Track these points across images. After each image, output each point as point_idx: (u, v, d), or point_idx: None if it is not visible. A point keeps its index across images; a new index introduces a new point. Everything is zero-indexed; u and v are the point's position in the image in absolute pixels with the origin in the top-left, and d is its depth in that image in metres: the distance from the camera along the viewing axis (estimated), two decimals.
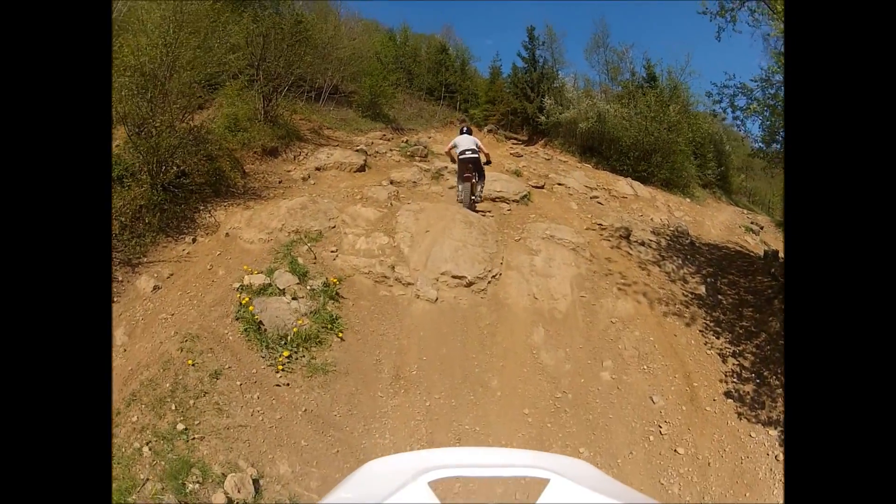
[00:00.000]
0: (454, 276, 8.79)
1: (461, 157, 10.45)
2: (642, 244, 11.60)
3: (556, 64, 24.69)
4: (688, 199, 18.94)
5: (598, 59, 24.32)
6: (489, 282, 8.97)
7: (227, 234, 9.48)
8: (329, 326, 7.46)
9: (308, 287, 7.96)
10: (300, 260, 8.54)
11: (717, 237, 15.39)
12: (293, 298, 7.67)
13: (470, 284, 8.79)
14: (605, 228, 11.80)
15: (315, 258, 8.74)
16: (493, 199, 12.14)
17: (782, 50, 8.06)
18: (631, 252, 11.16)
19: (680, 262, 11.31)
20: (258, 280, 7.87)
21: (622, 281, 9.93)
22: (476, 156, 10.43)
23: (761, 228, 18.68)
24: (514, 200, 12.28)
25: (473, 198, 10.75)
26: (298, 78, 16.04)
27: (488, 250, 9.44)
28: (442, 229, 9.57)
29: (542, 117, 22.18)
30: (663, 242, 12.22)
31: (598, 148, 20.40)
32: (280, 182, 12.26)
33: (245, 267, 8.22)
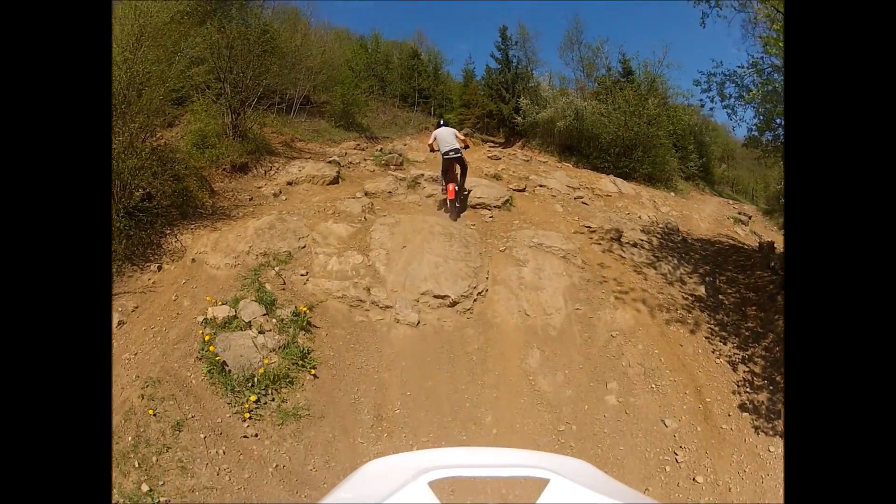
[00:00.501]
0: (436, 296, 7.80)
1: (445, 156, 10.12)
2: (634, 245, 10.67)
3: (530, 63, 24.00)
4: (672, 193, 18.22)
5: (572, 56, 23.77)
6: (475, 300, 7.99)
7: (193, 260, 8.43)
8: (300, 363, 6.46)
9: (276, 317, 6.96)
10: (268, 286, 7.54)
11: (707, 231, 14.59)
12: (260, 332, 6.66)
13: (454, 304, 7.80)
14: (594, 231, 10.84)
15: (284, 283, 7.74)
16: (474, 207, 11.14)
17: (771, 34, 7.52)
18: (624, 255, 10.23)
19: (675, 261, 10.42)
20: (222, 312, 6.84)
21: (618, 288, 9.00)
22: (459, 154, 10.17)
23: (749, 218, 17.99)
24: (495, 206, 11.27)
25: (459, 193, 10.43)
26: (268, 90, 15.22)
27: (472, 264, 8.46)
28: (420, 243, 8.58)
29: (519, 118, 21.37)
30: (655, 241, 11.31)
31: (577, 146, 19.57)
32: (250, 199, 11.18)
33: (208, 298, 7.20)
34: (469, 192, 11.13)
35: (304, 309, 7.09)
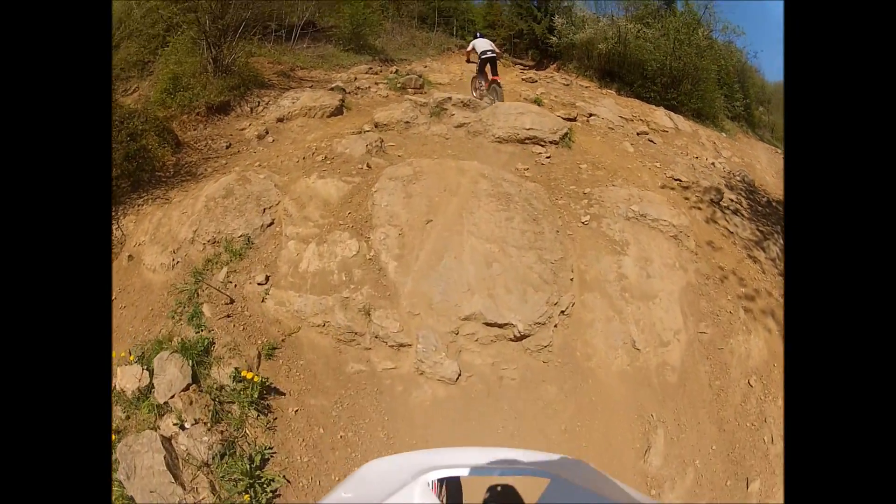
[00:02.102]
0: (489, 324, 4.16)
1: (483, 56, 9.38)
2: (735, 213, 6.96)
3: None
4: (723, 135, 14.33)
5: None
6: (556, 325, 4.34)
7: (130, 257, 5.18)
8: (252, 486, 3.12)
9: (211, 388, 3.58)
10: (206, 311, 4.16)
11: (777, 188, 10.84)
12: (181, 427, 3.33)
13: (521, 338, 4.17)
14: (687, 188, 7.07)
15: (232, 301, 4.20)
16: (522, 141, 7.34)
17: None
18: (730, 228, 6.53)
19: (778, 237, 6.88)
20: (131, 380, 3.61)
21: (742, 290, 5.45)
22: (496, 55, 9.43)
23: None
24: (551, 142, 7.46)
25: (500, 97, 9.04)
26: (261, 16, 11.42)
27: (548, 255, 4.72)
28: (456, 214, 4.90)
29: (553, 38, 16.94)
30: (745, 204, 7.64)
31: (618, 72, 15.32)
32: (228, 147, 7.50)
33: (122, 353, 4.05)
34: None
35: (252, 376, 3.50)
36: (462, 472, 1.27)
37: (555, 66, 16.91)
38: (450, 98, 8.38)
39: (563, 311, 4.37)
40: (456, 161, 5.91)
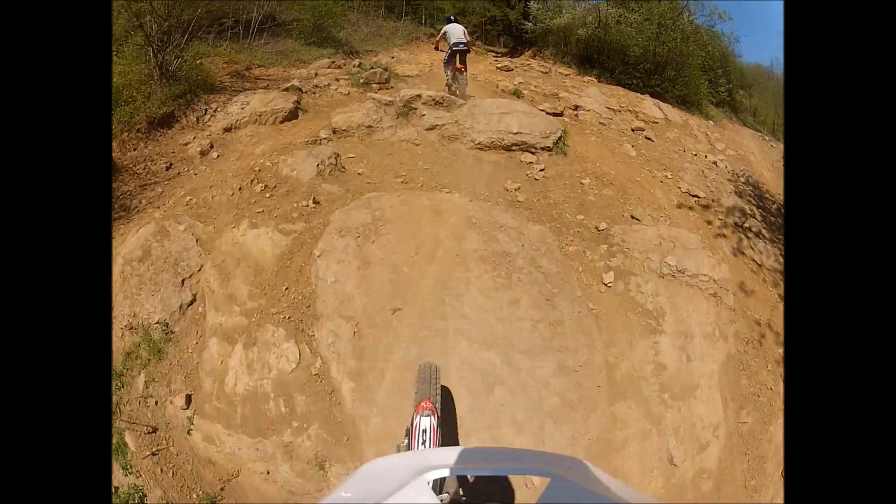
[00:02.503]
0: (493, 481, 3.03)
1: (453, 47, 8.54)
2: (757, 235, 5.91)
3: None
4: (711, 122, 13.35)
5: None
6: (582, 457, 3.23)
7: None
8: None
9: None
10: (130, 443, 3.34)
11: (778, 186, 9.80)
12: None
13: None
14: (706, 206, 6.00)
15: (154, 432, 3.17)
16: (509, 148, 6.20)
17: None
18: (756, 258, 5.50)
19: None
20: None
21: (780, 351, 4.43)
22: (466, 47, 8.61)
23: None
24: (543, 149, 6.31)
25: (463, 84, 8.54)
26: (215, 13, 10.20)
27: (570, 359, 3.53)
28: (435, 300, 3.73)
29: (529, 24, 15.61)
30: (758, 216, 6.61)
31: (598, 58, 14.16)
32: (169, 168, 6.23)
33: None
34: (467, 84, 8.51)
35: None
36: (462, 472, 1.23)
37: (530, 52, 15.65)
38: (419, 95, 7.13)
39: (589, 439, 3.24)
40: (430, 194, 4.72)
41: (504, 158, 6.07)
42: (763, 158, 12.20)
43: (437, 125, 6.54)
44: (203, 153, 6.57)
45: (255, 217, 4.40)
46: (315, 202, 4.65)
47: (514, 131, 6.28)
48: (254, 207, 4.61)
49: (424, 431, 2.24)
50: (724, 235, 5.57)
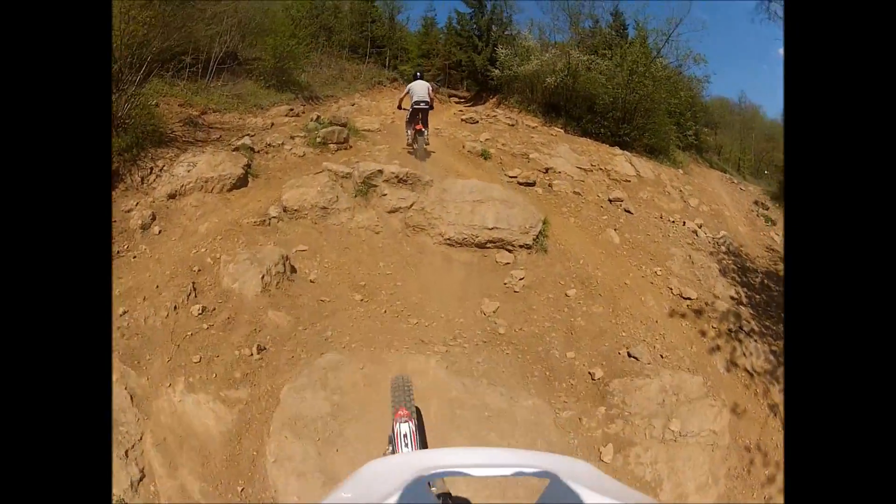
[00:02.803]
0: None
1: (415, 105, 8.46)
2: (748, 334, 5.40)
3: (507, 9, 17.67)
4: (680, 171, 13.07)
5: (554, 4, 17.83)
6: None
7: None
8: None
9: None
10: None
11: (753, 241, 9.76)
12: None
13: None
14: (699, 311, 5.53)
15: None
16: (483, 245, 5.63)
17: None
18: (748, 366, 5.00)
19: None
20: None
21: (766, 473, 4.02)
22: (429, 105, 8.54)
23: (767, 209, 12.91)
24: (522, 246, 5.73)
25: (423, 144, 8.44)
26: (172, 49, 9.12)
27: None
28: None
29: (496, 70, 15.34)
30: (744, 299, 6.27)
31: (564, 107, 13.88)
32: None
33: None
34: (428, 143, 8.50)
35: None
36: (462, 472, 1.21)
37: (494, 99, 15.44)
38: (381, 171, 6.50)
39: None
40: (399, 359, 4.09)
41: (477, 258, 5.51)
42: (736, 210, 12.09)
43: (400, 208, 5.97)
44: (144, 227, 5.84)
45: (193, 375, 3.69)
46: (259, 350, 4.00)
47: (490, 226, 5.73)
48: (190, 348, 3.90)
49: (405, 436, 2.45)
50: (719, 347, 5.13)
